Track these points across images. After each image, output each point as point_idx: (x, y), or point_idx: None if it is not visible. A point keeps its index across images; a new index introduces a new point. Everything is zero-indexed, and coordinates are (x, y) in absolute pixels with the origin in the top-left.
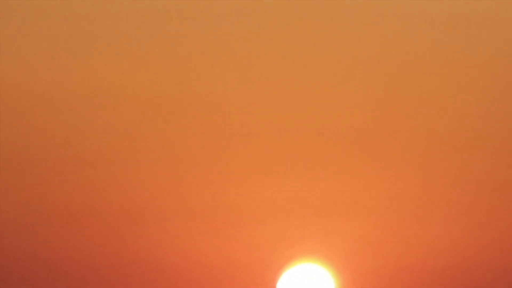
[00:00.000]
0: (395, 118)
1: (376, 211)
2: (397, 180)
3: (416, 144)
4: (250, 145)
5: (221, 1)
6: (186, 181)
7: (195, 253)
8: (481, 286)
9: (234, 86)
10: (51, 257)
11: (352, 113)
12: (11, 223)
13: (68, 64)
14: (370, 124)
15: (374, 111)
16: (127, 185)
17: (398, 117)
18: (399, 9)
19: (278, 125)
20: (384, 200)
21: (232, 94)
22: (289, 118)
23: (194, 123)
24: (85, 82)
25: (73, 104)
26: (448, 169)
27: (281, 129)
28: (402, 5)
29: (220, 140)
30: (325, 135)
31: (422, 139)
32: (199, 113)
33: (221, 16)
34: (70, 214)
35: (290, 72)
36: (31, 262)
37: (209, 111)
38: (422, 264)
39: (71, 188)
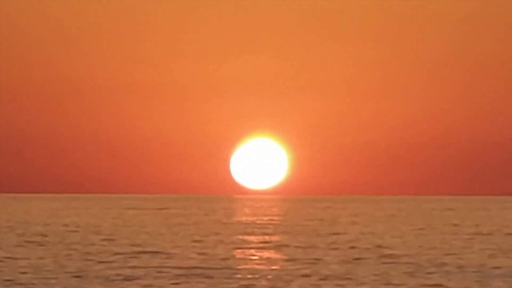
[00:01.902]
0: None
1: (333, 89)
2: (355, 59)
3: (378, 22)
4: (206, 21)
5: None
6: (138, 57)
7: (149, 129)
8: (434, 161)
9: None
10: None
11: None
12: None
13: None
14: (331, 3)
15: None
16: (78, 58)
17: None
18: None
19: (235, 1)
20: (342, 78)
21: None
22: None
23: None
24: None
25: None
26: (407, 49)
27: (238, 5)
28: None
29: (176, 17)
30: (285, 13)
31: (385, 17)
32: None
33: None
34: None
35: None
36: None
37: None
38: (375, 140)
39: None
